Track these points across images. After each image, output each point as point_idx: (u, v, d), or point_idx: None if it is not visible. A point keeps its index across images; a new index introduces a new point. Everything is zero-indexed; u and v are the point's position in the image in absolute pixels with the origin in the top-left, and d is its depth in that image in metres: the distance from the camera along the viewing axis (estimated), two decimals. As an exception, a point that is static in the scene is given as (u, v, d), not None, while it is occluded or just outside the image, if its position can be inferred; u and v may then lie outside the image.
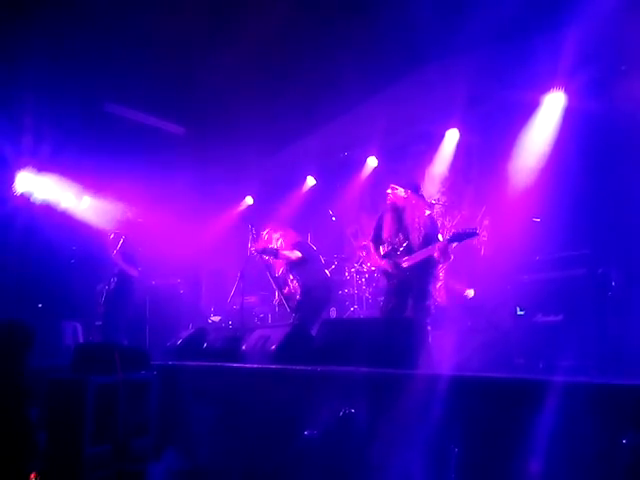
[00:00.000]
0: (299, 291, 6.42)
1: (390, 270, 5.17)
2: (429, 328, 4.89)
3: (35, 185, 8.83)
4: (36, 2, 6.06)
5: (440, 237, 4.92)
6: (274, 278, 6.63)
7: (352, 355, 3.78)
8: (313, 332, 4.97)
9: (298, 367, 3.94)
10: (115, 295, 7.43)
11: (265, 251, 6.47)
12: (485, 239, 7.30)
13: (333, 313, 7.83)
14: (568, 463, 2.45)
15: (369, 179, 9.37)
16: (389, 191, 5.27)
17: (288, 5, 6.04)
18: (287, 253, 6.42)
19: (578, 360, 4.12)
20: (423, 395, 2.93)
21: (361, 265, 7.96)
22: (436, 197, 7.79)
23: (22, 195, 8.69)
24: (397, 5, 5.90)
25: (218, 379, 4.33)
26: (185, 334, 5.91)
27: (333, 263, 8.18)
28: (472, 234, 4.80)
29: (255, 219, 7.37)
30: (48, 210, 8.92)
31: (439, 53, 6.39)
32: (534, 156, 6.88)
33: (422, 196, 5.35)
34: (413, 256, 4.99)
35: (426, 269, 5.02)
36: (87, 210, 9.32)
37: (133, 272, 7.43)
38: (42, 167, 8.67)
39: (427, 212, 5.21)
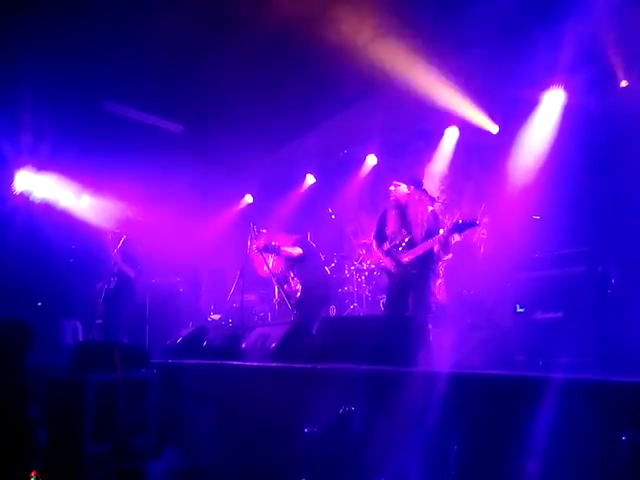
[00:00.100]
0: (299, 288, 6.42)
1: (391, 268, 5.17)
2: (430, 326, 4.90)
3: (34, 184, 8.83)
4: (36, 1, 6.05)
5: (441, 231, 4.89)
6: (275, 276, 6.63)
7: (352, 353, 3.79)
8: (313, 330, 4.98)
9: (298, 365, 3.94)
10: (115, 294, 7.43)
11: (267, 248, 6.47)
12: (484, 237, 7.30)
13: (333, 311, 7.83)
14: (568, 460, 2.45)
15: (369, 177, 9.37)
16: (392, 187, 5.28)
17: (287, 2, 6.03)
18: (289, 249, 6.42)
19: (577, 357, 4.13)
20: (423, 393, 2.93)
21: (361, 263, 7.96)
22: (436, 195, 7.78)
23: (21, 194, 8.69)
24: (396, 2, 5.89)
25: (218, 377, 4.34)
26: (185, 332, 5.92)
27: (333, 261, 8.18)
28: (472, 224, 4.82)
29: (255, 217, 7.36)
30: (47, 209, 8.93)
31: (439, 51, 6.39)
32: (534, 154, 6.88)
33: (425, 191, 5.34)
34: (414, 250, 4.99)
35: (427, 265, 5.03)
36: (86, 209, 9.32)
37: (132, 272, 7.42)
38: (41, 166, 8.67)
39: (430, 208, 5.21)
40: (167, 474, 3.88)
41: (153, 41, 6.64)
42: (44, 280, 8.24)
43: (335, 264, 8.17)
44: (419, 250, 4.96)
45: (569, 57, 6.10)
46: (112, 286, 7.44)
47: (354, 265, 7.96)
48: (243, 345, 4.90)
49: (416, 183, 5.29)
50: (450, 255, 6.80)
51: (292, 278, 6.53)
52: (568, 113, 6.78)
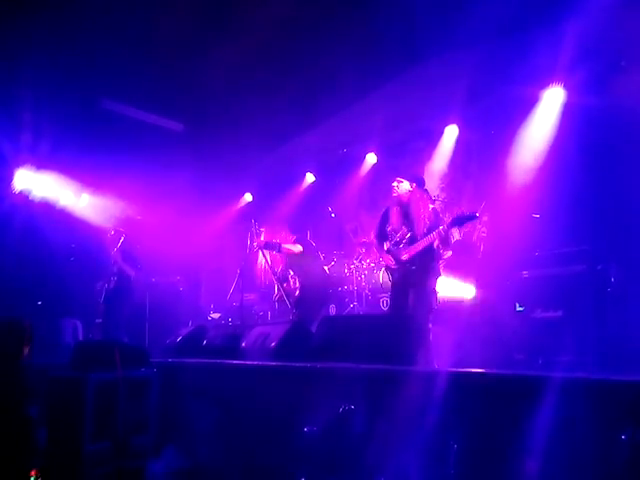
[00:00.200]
0: (298, 287, 6.42)
1: (391, 264, 5.16)
2: (430, 325, 4.89)
3: (34, 182, 8.82)
4: (36, 0, 6.05)
5: (441, 227, 4.85)
6: (275, 274, 6.62)
7: (352, 352, 3.79)
8: (313, 329, 4.98)
9: (298, 364, 3.95)
10: (115, 293, 7.43)
11: (267, 245, 6.46)
12: (484, 235, 7.30)
13: (332, 310, 7.83)
14: (567, 459, 2.45)
15: (368, 175, 9.37)
16: (395, 184, 5.24)
17: (287, 1, 6.02)
18: (289, 247, 6.42)
19: (577, 356, 4.13)
20: (422, 392, 2.93)
21: (360, 262, 7.96)
22: (435, 193, 7.78)
23: (21, 193, 8.68)
24: (396, 1, 5.89)
25: (218, 376, 4.34)
26: (185, 331, 5.91)
27: (332, 260, 8.18)
28: (472, 217, 4.80)
29: (255, 216, 7.36)
30: (47, 208, 8.92)
31: (438, 49, 6.39)
32: (533, 152, 6.87)
33: (426, 191, 5.35)
34: (414, 246, 4.97)
35: (427, 262, 5.00)
36: (86, 208, 9.32)
37: (131, 271, 7.42)
38: (41, 164, 8.67)
39: (431, 206, 5.20)
40: (167, 473, 3.88)
41: (153, 40, 6.63)
42: (44, 279, 8.25)
43: (335, 263, 8.17)
44: (419, 246, 4.93)
45: (569, 55, 6.09)
46: (112, 285, 7.44)
47: (354, 264, 7.96)
48: (243, 344, 4.89)
49: (419, 181, 5.28)
50: (450, 253, 6.82)
51: (291, 276, 6.53)
52: (568, 111, 6.77)
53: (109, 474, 3.43)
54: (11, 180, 8.53)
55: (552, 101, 6.97)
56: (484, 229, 7.32)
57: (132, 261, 7.48)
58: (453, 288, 6.56)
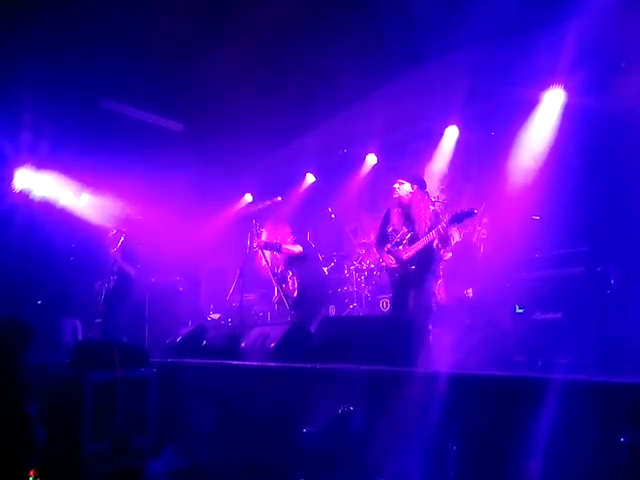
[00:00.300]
0: (297, 288, 6.42)
1: (392, 264, 5.16)
2: (430, 326, 4.89)
3: (34, 182, 8.83)
4: (36, 0, 6.05)
5: (440, 226, 4.85)
6: (275, 274, 6.62)
7: (351, 353, 3.79)
8: (312, 330, 4.98)
9: (297, 365, 3.94)
10: (114, 293, 7.43)
11: (268, 245, 6.46)
12: (484, 237, 7.30)
13: (332, 311, 7.83)
14: (566, 461, 2.45)
15: (368, 176, 9.38)
16: (396, 186, 5.26)
17: (287, 1, 6.02)
18: (290, 247, 6.42)
19: (577, 358, 4.13)
20: (422, 393, 2.93)
21: (360, 263, 7.96)
22: (436, 194, 7.79)
23: (21, 192, 8.68)
24: (396, 1, 5.89)
25: (217, 377, 4.34)
26: (184, 331, 5.91)
27: (332, 261, 8.18)
28: (470, 213, 4.79)
29: (254, 216, 7.36)
30: (47, 207, 8.92)
31: (438, 50, 6.39)
32: (533, 153, 6.88)
33: (427, 193, 5.37)
34: (414, 245, 4.99)
35: (426, 262, 5.02)
36: (86, 207, 9.32)
37: (131, 271, 7.42)
38: (41, 164, 8.67)
39: (431, 208, 5.22)
40: (166, 473, 3.88)
41: (153, 40, 6.63)
42: (44, 279, 8.24)
43: (335, 264, 8.18)
44: (419, 245, 4.95)
45: (569, 57, 6.09)
46: (111, 285, 7.43)
47: (354, 265, 7.96)
48: (242, 344, 4.89)
49: (420, 183, 5.30)
50: (450, 254, 6.83)
51: (290, 277, 6.53)
52: (568, 113, 6.78)
53: (108, 474, 3.43)
54: (11, 180, 8.53)
55: (552, 103, 6.97)
56: (484, 231, 7.32)
57: (132, 261, 7.49)
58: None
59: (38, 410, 3.54)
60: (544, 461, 2.46)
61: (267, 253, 6.56)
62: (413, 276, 5.03)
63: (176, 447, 4.10)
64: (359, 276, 7.84)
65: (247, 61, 7.02)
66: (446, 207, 7.74)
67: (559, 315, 4.79)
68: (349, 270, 8.03)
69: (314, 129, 8.59)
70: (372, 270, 7.79)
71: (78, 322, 8.26)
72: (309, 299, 6.38)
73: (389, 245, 5.23)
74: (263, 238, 6.52)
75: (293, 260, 6.50)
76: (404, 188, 5.21)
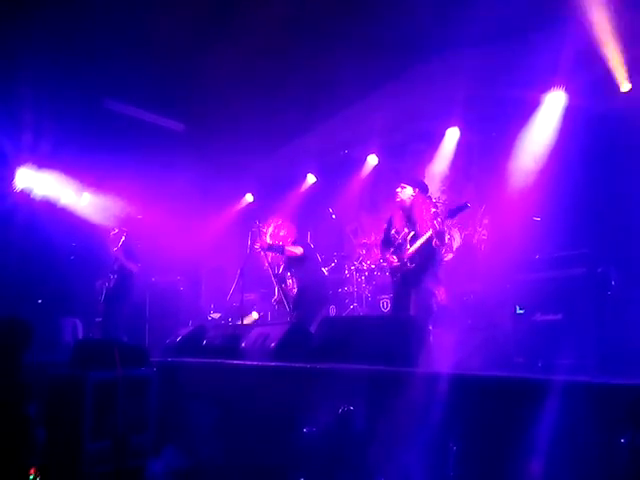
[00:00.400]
0: (296, 288, 6.43)
1: (394, 262, 5.26)
2: (430, 327, 4.92)
3: (35, 181, 8.84)
4: (36, -1, 6.06)
5: (436, 221, 5.01)
6: (275, 275, 6.63)
7: (351, 353, 3.79)
8: (312, 330, 4.98)
9: (297, 365, 3.95)
10: (115, 292, 7.44)
11: (271, 248, 6.47)
12: (485, 238, 7.30)
13: (332, 311, 7.83)
14: (567, 462, 2.45)
15: (369, 177, 9.38)
16: (399, 190, 5.40)
17: (288, 1, 6.03)
18: (292, 249, 6.43)
19: (577, 359, 4.12)
20: (422, 393, 2.93)
21: (361, 263, 7.96)
22: (436, 196, 7.79)
23: (22, 191, 8.69)
24: (398, 2, 5.89)
25: (217, 376, 4.34)
26: (185, 331, 5.92)
27: (333, 261, 8.18)
28: (463, 207, 4.97)
29: (255, 217, 7.36)
30: (48, 206, 8.93)
31: (440, 51, 6.39)
32: (534, 155, 6.88)
33: (429, 197, 5.48)
34: (415, 243, 5.12)
35: (425, 262, 5.12)
36: (87, 207, 9.33)
37: (134, 268, 7.44)
38: (42, 163, 8.68)
39: (433, 210, 5.28)
40: (166, 473, 3.88)
41: (154, 39, 6.63)
42: (44, 278, 8.25)
43: (335, 264, 8.18)
44: (419, 243, 5.09)
45: (570, 59, 6.09)
46: (112, 284, 7.44)
47: (354, 265, 7.97)
48: (243, 344, 4.89)
49: (422, 187, 5.44)
50: (451, 255, 6.83)
51: (289, 278, 6.54)
52: (569, 115, 6.78)
53: (109, 473, 3.43)
54: (12, 179, 8.53)
55: (553, 104, 6.97)
56: (485, 232, 7.33)
57: (134, 258, 7.50)
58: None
59: (38, 409, 3.55)
60: (544, 462, 2.46)
61: (269, 254, 6.56)
62: (413, 275, 5.13)
63: (176, 447, 4.10)
64: (359, 276, 7.84)
65: (248, 61, 7.01)
66: (447, 208, 7.75)
67: (559, 316, 4.78)
68: (349, 270, 8.03)
69: (315, 129, 8.59)
70: (372, 270, 7.79)
71: (78, 321, 8.27)
72: (309, 299, 6.38)
73: (392, 249, 5.34)
74: (267, 239, 6.51)
75: (293, 261, 6.51)
76: (406, 192, 5.35)
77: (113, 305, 7.41)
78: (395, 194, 5.43)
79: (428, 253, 5.11)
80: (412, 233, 5.22)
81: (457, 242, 7.38)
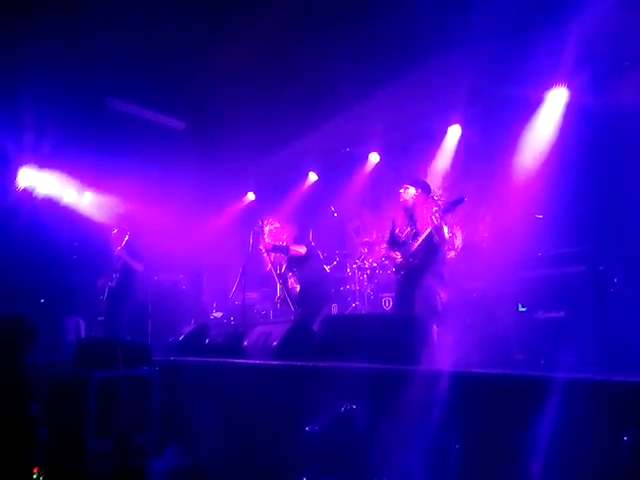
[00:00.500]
0: (298, 287, 6.43)
1: (396, 259, 5.36)
2: (435, 327, 4.94)
3: (37, 181, 8.85)
4: (38, -1, 6.06)
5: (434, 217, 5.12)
6: (278, 275, 6.63)
7: (353, 351, 3.79)
8: (315, 328, 4.98)
9: (300, 363, 3.95)
10: (117, 291, 7.45)
11: (275, 248, 6.48)
12: (486, 235, 7.30)
13: (334, 309, 7.83)
14: (569, 460, 2.45)
15: (371, 175, 9.37)
16: (402, 190, 5.51)
17: (289, 1, 6.02)
18: (296, 248, 6.45)
19: (579, 356, 4.12)
20: (424, 391, 2.93)
21: (363, 261, 7.96)
22: (438, 194, 7.78)
23: (24, 191, 8.70)
24: (399, 0, 5.88)
25: (220, 375, 4.34)
26: (187, 330, 5.92)
27: (335, 259, 8.18)
28: (460, 201, 5.09)
29: (257, 215, 7.35)
30: (50, 206, 8.94)
31: (441, 49, 6.38)
32: (536, 153, 6.87)
33: (432, 197, 5.55)
34: (416, 240, 5.23)
35: (427, 259, 5.20)
36: (89, 206, 9.34)
37: (138, 267, 7.46)
38: (44, 163, 8.69)
39: (435, 208, 5.31)
40: (169, 471, 3.89)
41: (156, 39, 6.63)
42: (47, 277, 8.25)
43: (337, 262, 8.18)
44: (420, 238, 5.20)
45: (572, 56, 6.08)
46: (114, 283, 7.45)
47: (356, 263, 7.96)
48: (245, 343, 4.90)
49: (424, 187, 5.53)
50: (453, 253, 6.83)
51: (290, 276, 6.54)
52: (571, 112, 6.76)
53: (111, 472, 3.43)
54: (14, 178, 8.54)
55: (555, 102, 6.96)
56: (486, 230, 7.31)
57: (138, 258, 7.51)
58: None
59: (41, 408, 3.55)
60: (546, 460, 2.46)
61: (272, 255, 6.56)
62: (417, 272, 5.21)
63: (179, 445, 4.11)
64: (361, 274, 7.84)
65: (250, 60, 7.01)
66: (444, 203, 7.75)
67: (562, 314, 4.78)
68: (351, 268, 8.03)
69: (317, 128, 8.58)
70: (374, 268, 7.79)
71: (81, 320, 8.28)
72: (311, 297, 6.39)
73: (399, 241, 5.46)
74: (266, 237, 6.50)
75: (296, 260, 6.51)
76: (409, 192, 5.47)
77: (116, 304, 7.43)
78: (398, 195, 5.55)
79: (430, 249, 5.19)
80: (414, 231, 5.31)
81: (459, 240, 7.37)
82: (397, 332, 4.04)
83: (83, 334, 8.18)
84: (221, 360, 4.59)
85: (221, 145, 9.12)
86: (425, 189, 5.51)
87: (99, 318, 7.98)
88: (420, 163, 8.46)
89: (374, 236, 8.73)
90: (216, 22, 6.45)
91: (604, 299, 4.63)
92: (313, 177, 10.19)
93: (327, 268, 7.56)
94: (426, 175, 8.26)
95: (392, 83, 7.30)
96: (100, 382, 3.51)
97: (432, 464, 2.83)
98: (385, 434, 3.05)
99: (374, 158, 9.28)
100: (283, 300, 6.55)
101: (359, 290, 7.77)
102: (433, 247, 5.18)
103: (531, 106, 7.09)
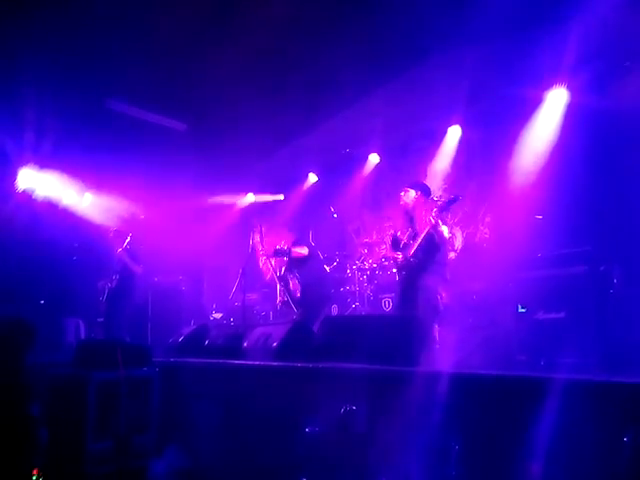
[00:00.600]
0: (299, 288, 6.44)
1: (397, 259, 5.41)
2: (436, 327, 4.95)
3: (37, 182, 8.84)
4: (37, -2, 6.06)
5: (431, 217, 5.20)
6: (279, 277, 6.63)
7: (353, 352, 3.79)
8: (315, 329, 4.98)
9: (299, 364, 3.94)
10: (117, 292, 7.45)
11: (278, 252, 6.50)
12: (487, 236, 7.30)
13: (334, 310, 7.83)
14: (569, 460, 2.45)
15: (371, 176, 9.37)
16: (402, 193, 5.59)
17: (289, 1, 6.02)
18: (298, 250, 6.46)
19: (580, 357, 4.12)
20: (424, 392, 2.93)
21: (363, 262, 7.95)
22: (438, 194, 7.79)
23: (24, 192, 8.70)
24: (398, 1, 5.88)
25: (220, 376, 4.34)
26: (187, 331, 5.91)
27: (335, 260, 8.17)
28: (455, 200, 5.24)
29: (257, 216, 7.36)
30: (50, 207, 8.94)
31: (441, 49, 6.38)
32: (536, 153, 6.87)
33: (432, 200, 5.61)
34: (416, 240, 5.30)
35: (427, 258, 5.25)
36: (89, 207, 9.34)
37: (137, 269, 7.45)
38: (44, 164, 8.68)
39: (434, 210, 5.33)
40: (169, 473, 3.88)
41: (155, 39, 6.63)
42: (46, 278, 8.25)
43: (337, 263, 8.17)
44: (419, 238, 5.27)
45: (572, 56, 6.08)
46: (114, 284, 7.45)
47: (356, 264, 7.96)
48: (245, 344, 4.89)
49: (424, 190, 5.60)
50: (453, 254, 6.83)
51: (291, 278, 6.54)
52: (571, 112, 6.76)
53: (111, 473, 3.44)
54: (14, 179, 8.54)
55: (555, 102, 6.95)
56: (486, 230, 7.32)
57: (136, 261, 7.51)
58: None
59: (41, 410, 3.55)
60: (546, 461, 2.46)
61: (273, 259, 6.57)
62: (417, 272, 5.24)
63: (178, 447, 4.10)
64: (361, 275, 7.83)
65: (250, 60, 7.01)
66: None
67: (562, 314, 4.78)
68: (351, 269, 8.02)
69: (316, 128, 8.58)
70: (374, 269, 7.78)
71: (81, 321, 8.27)
72: (312, 298, 6.40)
73: (401, 244, 5.53)
74: (269, 245, 6.51)
75: (296, 262, 6.51)
76: (409, 195, 5.55)
77: (115, 305, 7.42)
78: (398, 197, 5.63)
79: (430, 249, 5.23)
80: (414, 232, 5.38)
81: (459, 241, 7.38)
82: (397, 333, 4.03)
83: (83, 335, 8.17)
84: (221, 361, 4.59)
85: (221, 146, 9.12)
86: (425, 192, 5.57)
87: (99, 319, 7.98)
88: (420, 163, 8.47)
89: (374, 237, 8.74)
90: (216, 22, 6.45)
91: (604, 300, 4.63)
92: (313, 178, 10.18)
93: (327, 269, 7.56)
94: (426, 175, 8.26)
95: (392, 83, 7.30)
96: (100, 383, 3.51)
97: (432, 465, 2.83)
98: (385, 435, 3.05)
99: (374, 159, 9.28)
100: (285, 302, 6.56)
101: (359, 291, 7.76)
102: (433, 247, 5.22)
103: (531, 106, 7.09)
